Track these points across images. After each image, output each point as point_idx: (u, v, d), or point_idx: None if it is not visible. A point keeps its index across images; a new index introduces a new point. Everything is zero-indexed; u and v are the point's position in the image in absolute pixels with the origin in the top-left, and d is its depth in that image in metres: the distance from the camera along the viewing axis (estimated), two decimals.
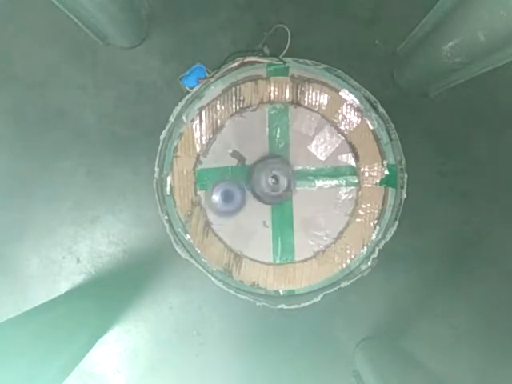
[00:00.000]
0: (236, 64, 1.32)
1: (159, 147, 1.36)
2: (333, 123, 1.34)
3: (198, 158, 1.35)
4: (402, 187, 1.35)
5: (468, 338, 1.82)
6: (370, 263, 1.34)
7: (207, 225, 1.35)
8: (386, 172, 1.35)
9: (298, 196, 1.34)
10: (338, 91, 1.34)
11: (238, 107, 1.34)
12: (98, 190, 1.81)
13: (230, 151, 1.35)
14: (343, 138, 1.35)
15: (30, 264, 1.81)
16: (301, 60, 1.34)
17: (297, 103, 1.34)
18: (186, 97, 1.35)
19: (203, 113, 1.34)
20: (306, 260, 1.35)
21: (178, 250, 1.35)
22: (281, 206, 1.35)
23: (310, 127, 1.34)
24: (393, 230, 1.35)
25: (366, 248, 1.35)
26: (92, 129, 1.81)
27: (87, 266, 1.82)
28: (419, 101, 1.79)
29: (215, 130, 1.34)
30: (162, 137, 1.36)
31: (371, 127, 1.34)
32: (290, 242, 1.34)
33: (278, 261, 1.35)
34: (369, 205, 1.35)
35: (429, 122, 1.80)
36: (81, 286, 1.81)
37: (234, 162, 1.37)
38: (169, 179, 1.34)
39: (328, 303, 1.73)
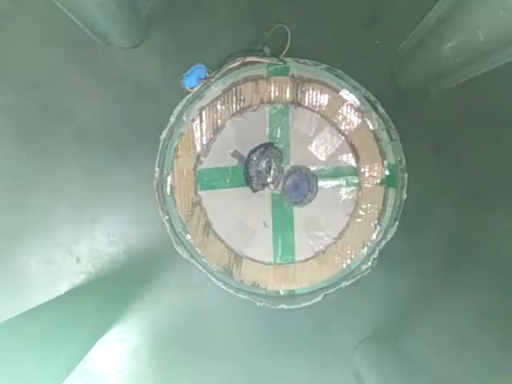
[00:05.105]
0: (236, 64, 1.32)
1: (159, 147, 1.36)
2: (333, 123, 1.35)
3: (198, 157, 1.35)
4: (402, 187, 1.36)
5: (468, 338, 1.82)
6: (370, 263, 1.35)
7: (208, 225, 1.35)
8: (387, 172, 1.35)
9: None
10: (338, 91, 1.34)
11: (238, 107, 1.34)
12: (98, 189, 1.81)
13: (231, 151, 1.35)
14: (343, 138, 1.35)
15: (30, 264, 1.81)
16: (301, 60, 1.34)
17: (297, 103, 1.34)
18: (187, 97, 1.36)
19: (203, 113, 1.34)
20: (306, 260, 1.35)
21: (179, 250, 1.35)
22: (281, 205, 1.35)
23: (310, 127, 1.34)
24: (393, 230, 1.35)
25: (366, 248, 1.35)
26: (92, 129, 1.81)
27: (87, 265, 1.82)
28: (419, 101, 1.79)
29: (215, 130, 1.35)
30: (162, 137, 1.36)
31: (371, 127, 1.35)
32: (291, 242, 1.35)
33: (278, 261, 1.35)
34: (369, 205, 1.35)
35: (429, 122, 1.80)
36: (81, 286, 1.80)
37: (234, 162, 1.37)
38: (169, 179, 1.34)
39: (328, 303, 1.73)
